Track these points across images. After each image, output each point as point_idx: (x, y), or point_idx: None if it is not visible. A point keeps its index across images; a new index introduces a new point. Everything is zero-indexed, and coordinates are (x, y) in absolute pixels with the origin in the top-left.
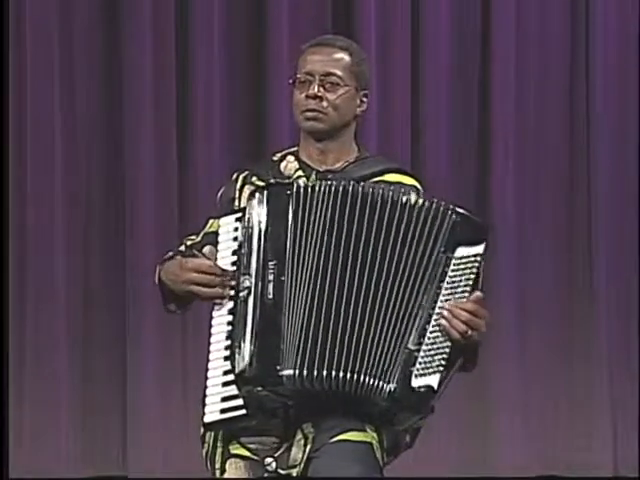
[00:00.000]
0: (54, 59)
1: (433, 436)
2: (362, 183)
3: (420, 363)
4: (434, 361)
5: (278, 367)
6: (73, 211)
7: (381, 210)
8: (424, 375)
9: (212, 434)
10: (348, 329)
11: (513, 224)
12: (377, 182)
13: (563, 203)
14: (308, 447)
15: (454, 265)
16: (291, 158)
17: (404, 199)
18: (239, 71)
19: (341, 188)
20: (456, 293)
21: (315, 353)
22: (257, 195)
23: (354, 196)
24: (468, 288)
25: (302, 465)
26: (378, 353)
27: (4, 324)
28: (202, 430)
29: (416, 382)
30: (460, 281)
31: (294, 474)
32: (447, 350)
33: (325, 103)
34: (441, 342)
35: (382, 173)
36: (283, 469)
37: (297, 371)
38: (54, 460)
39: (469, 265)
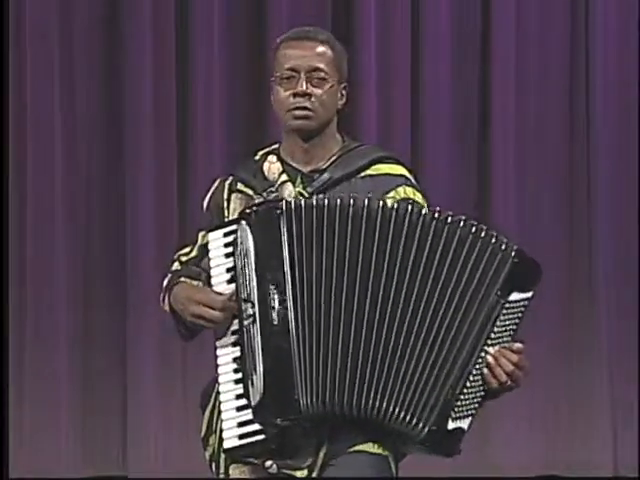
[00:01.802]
0: (54, 59)
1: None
2: (361, 198)
3: (458, 407)
4: (470, 404)
5: (294, 396)
6: (73, 211)
7: (407, 231)
8: (459, 418)
9: (216, 437)
10: (370, 357)
11: (513, 224)
12: (364, 177)
13: (563, 203)
14: (322, 453)
15: (505, 309)
16: (273, 158)
17: (458, 225)
18: (239, 71)
19: (339, 203)
20: (502, 338)
21: (332, 379)
22: (246, 218)
23: (360, 213)
24: (513, 333)
25: (316, 471)
26: (416, 389)
27: (4, 324)
28: (203, 433)
29: (451, 425)
30: (508, 326)
31: (298, 475)
32: (483, 394)
33: (314, 100)
34: (479, 386)
35: (369, 166)
36: (285, 469)
37: (314, 398)
38: (54, 460)
39: (517, 310)
